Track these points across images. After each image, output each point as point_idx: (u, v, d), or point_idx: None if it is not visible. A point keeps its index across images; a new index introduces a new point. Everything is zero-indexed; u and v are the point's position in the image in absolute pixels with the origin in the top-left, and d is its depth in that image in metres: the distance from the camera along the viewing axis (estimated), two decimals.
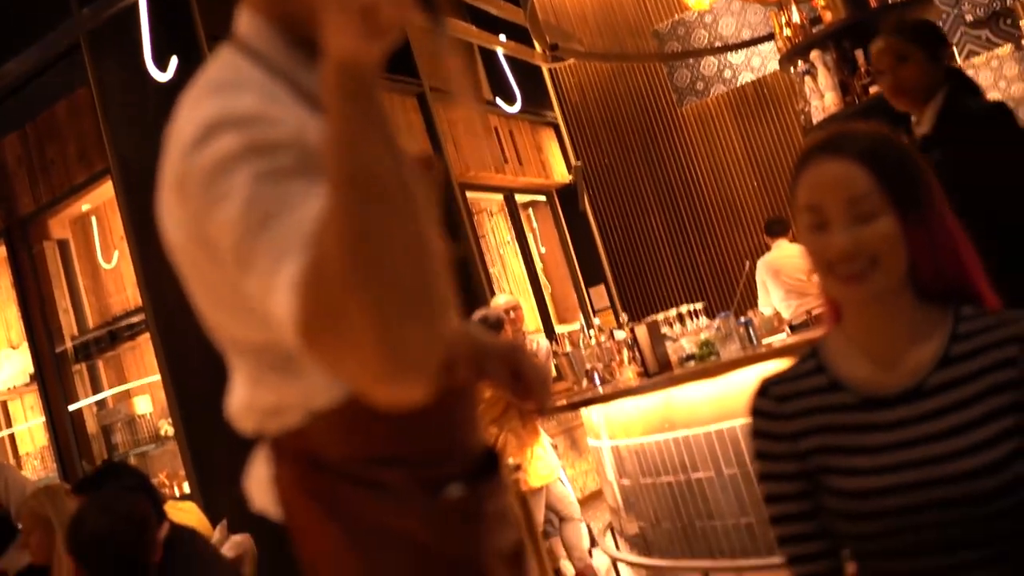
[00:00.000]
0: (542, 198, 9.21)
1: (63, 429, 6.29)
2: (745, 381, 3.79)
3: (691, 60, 8.37)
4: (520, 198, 8.90)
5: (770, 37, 7.03)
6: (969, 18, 7.18)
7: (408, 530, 0.99)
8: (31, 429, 6.99)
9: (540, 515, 4.71)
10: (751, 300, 6.35)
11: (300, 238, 0.80)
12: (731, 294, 7.55)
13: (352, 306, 0.73)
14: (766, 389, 1.37)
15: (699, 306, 5.09)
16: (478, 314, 4.39)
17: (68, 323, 6.45)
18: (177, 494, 5.60)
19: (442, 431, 1.05)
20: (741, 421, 3.82)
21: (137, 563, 2.16)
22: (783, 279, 6.05)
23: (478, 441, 1.16)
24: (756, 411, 1.36)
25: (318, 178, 0.83)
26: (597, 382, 4.90)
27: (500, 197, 8.58)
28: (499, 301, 4.97)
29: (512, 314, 4.74)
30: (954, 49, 7.11)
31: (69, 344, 6.39)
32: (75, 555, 2.20)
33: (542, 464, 4.64)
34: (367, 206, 0.75)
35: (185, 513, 3.44)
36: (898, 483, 1.23)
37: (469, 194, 7.80)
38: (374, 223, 0.75)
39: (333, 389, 0.96)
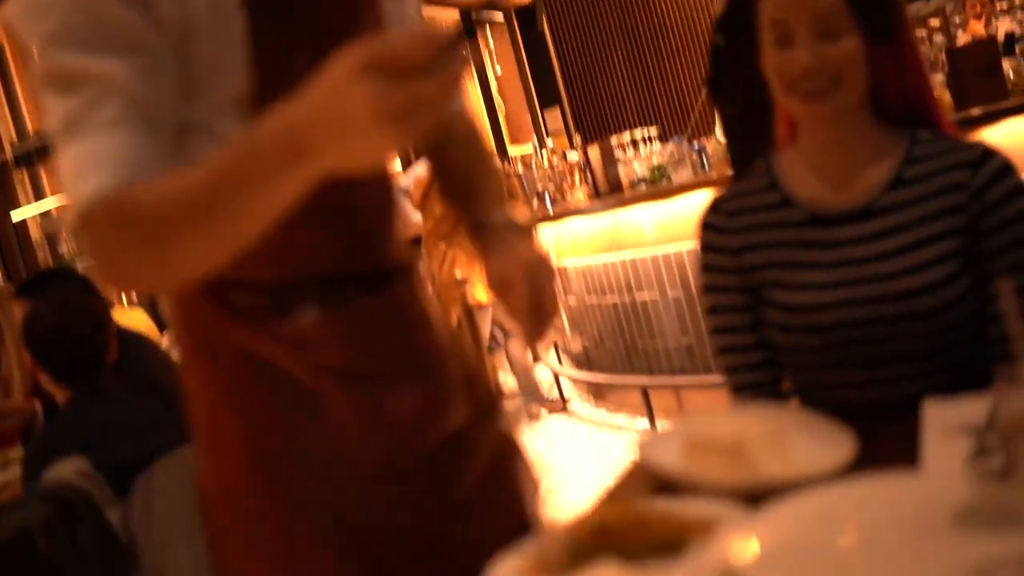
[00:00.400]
0: (500, 18, 8.91)
1: (6, 237, 6.18)
2: (694, 206, 3.82)
3: None
4: (477, 16, 8.59)
5: None
6: None
7: (260, 350, 1.06)
8: None
9: (486, 330, 4.82)
10: (707, 127, 6.31)
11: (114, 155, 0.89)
12: (687, 121, 7.50)
13: (129, 248, 0.89)
14: (717, 205, 1.39)
15: (654, 131, 5.06)
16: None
17: (7, 129, 6.24)
18: (125, 303, 5.60)
19: (288, 259, 1.05)
20: (688, 245, 3.88)
21: (94, 358, 2.18)
22: None
23: (356, 263, 1.11)
24: (705, 225, 1.38)
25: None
26: (548, 203, 4.92)
27: (456, 14, 8.28)
28: (417, 171, 4.79)
29: (413, 191, 4.73)
30: None
31: (9, 151, 6.20)
32: (33, 351, 2.21)
33: None
34: (207, 229, 0.86)
35: (134, 320, 3.45)
36: (840, 299, 1.26)
37: (425, 10, 7.50)
38: (196, 239, 0.88)
39: None
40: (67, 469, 1.72)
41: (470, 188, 1.22)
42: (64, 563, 1.58)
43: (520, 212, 1.19)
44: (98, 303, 2.35)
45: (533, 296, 1.06)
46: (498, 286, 1.09)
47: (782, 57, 1.25)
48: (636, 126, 4.94)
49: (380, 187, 1.16)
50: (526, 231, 1.15)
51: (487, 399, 1.25)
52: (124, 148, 0.89)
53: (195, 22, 0.95)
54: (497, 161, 1.35)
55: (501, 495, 1.19)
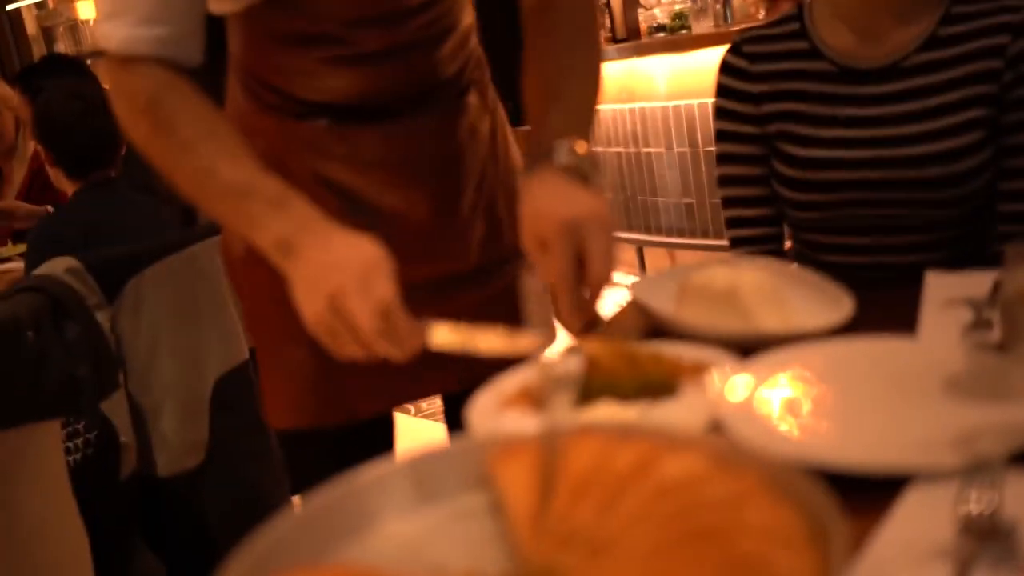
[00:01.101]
0: None
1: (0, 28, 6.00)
2: (711, 61, 3.70)
3: None
4: None
5: None
6: None
7: (281, 147, 1.09)
8: None
9: None
10: None
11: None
12: None
13: (153, 142, 1.00)
14: (739, 47, 1.33)
15: None
16: None
17: None
18: None
19: (300, 83, 1.08)
20: (700, 101, 3.78)
21: (108, 151, 2.14)
22: None
23: (377, 93, 1.08)
24: (725, 67, 1.32)
25: None
26: None
27: None
28: None
29: None
30: None
31: None
32: (46, 143, 2.16)
33: None
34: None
35: None
36: (854, 157, 1.23)
37: None
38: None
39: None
40: (57, 266, 1.71)
41: (547, 92, 1.03)
42: (51, 357, 1.59)
43: (587, 148, 0.96)
44: (107, 93, 2.29)
45: (575, 263, 0.88)
46: (533, 246, 0.92)
47: None
48: None
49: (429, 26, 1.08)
50: (586, 176, 0.94)
51: (514, 244, 1.20)
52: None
53: None
54: (600, 58, 1.10)
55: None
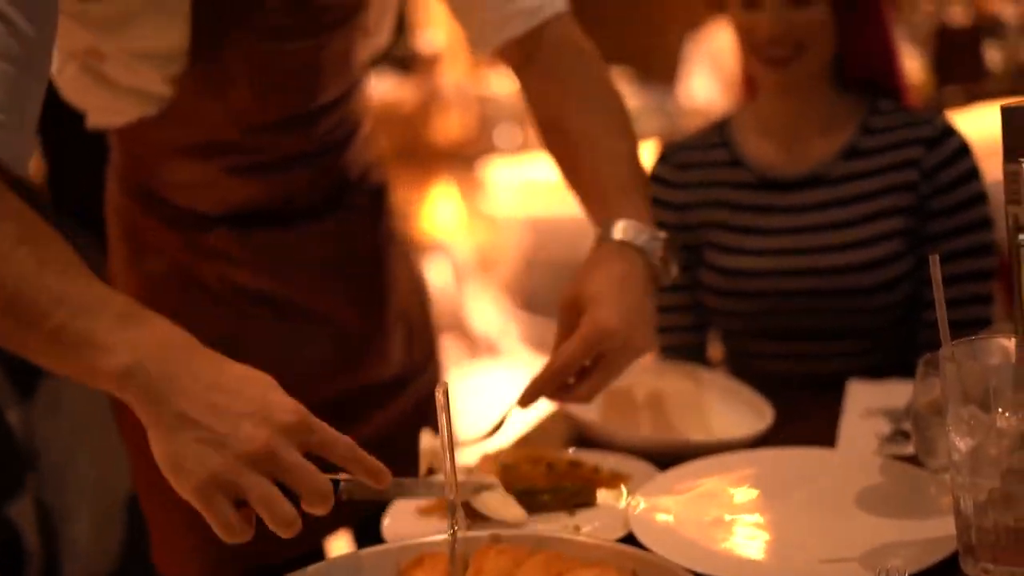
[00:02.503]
0: None
1: None
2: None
3: None
4: None
5: None
6: None
7: (185, 260, 1.02)
8: None
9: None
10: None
11: None
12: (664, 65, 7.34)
13: None
14: (668, 155, 1.36)
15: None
16: None
17: None
18: None
19: (209, 197, 1.02)
20: None
21: None
22: (721, 66, 5.82)
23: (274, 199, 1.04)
24: (655, 177, 1.35)
25: None
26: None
27: None
28: None
29: None
30: None
31: None
32: None
33: None
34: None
35: None
36: (777, 267, 1.25)
37: None
38: None
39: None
40: None
41: (584, 172, 0.98)
42: None
43: (645, 216, 0.94)
44: None
45: (591, 368, 0.87)
46: (564, 307, 0.90)
47: (749, 19, 1.22)
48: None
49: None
50: (637, 252, 0.91)
51: (426, 352, 1.18)
52: None
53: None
54: (617, 91, 1.03)
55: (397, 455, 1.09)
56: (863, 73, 1.28)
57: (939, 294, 0.69)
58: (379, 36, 1.10)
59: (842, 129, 1.27)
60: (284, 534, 0.66)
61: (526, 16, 0.96)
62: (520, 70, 1.02)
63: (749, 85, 1.35)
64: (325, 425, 0.69)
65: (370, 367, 1.10)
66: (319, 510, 0.67)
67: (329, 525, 1.05)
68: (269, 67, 0.95)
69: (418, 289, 1.20)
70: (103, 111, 1.00)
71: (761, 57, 1.22)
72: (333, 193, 1.07)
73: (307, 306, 1.06)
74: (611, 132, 0.98)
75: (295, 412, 0.68)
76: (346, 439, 0.69)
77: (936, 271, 0.70)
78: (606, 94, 1.01)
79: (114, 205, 1.08)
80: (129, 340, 0.69)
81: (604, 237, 0.91)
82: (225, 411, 0.67)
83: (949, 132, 1.23)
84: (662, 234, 0.93)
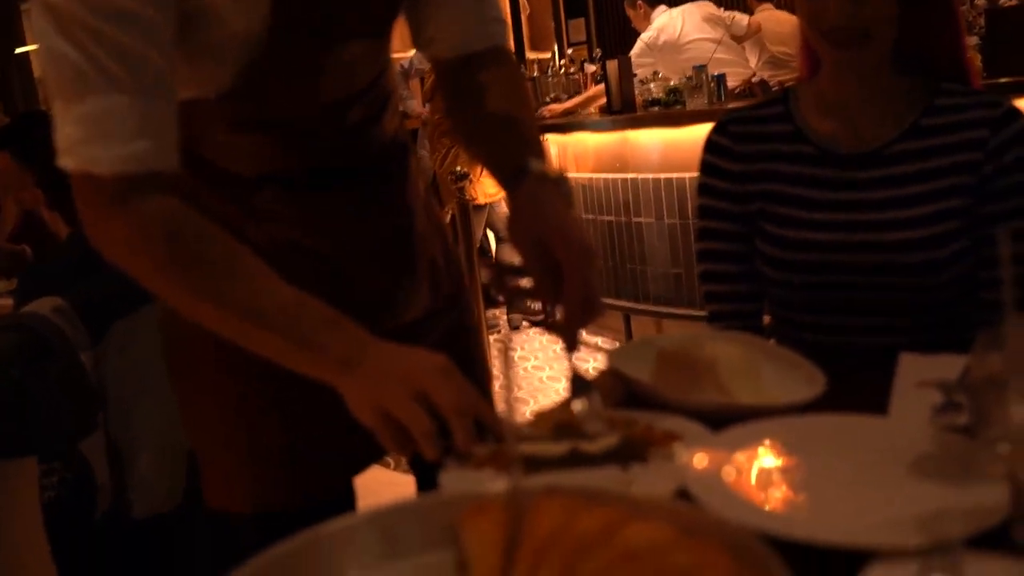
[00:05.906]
0: None
1: (6, 72, 6.06)
2: (704, 135, 3.77)
3: None
4: None
5: None
6: None
7: (232, 220, 1.08)
8: None
9: (479, 231, 4.80)
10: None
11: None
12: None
13: (156, 254, 0.94)
14: (725, 126, 1.36)
15: None
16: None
17: None
18: None
19: (259, 160, 1.08)
20: (692, 174, 3.83)
21: None
22: (764, 45, 5.86)
23: (328, 160, 1.11)
24: (710, 145, 1.35)
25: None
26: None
27: None
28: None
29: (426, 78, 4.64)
30: None
31: None
32: (43, 186, 2.17)
33: (490, 183, 4.66)
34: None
35: None
36: (832, 240, 1.25)
37: None
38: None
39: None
40: (44, 305, 1.72)
41: (507, 131, 1.12)
42: (32, 395, 1.58)
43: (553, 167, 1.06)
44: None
45: (585, 288, 0.98)
46: (530, 247, 1.01)
47: (815, 6, 1.22)
48: None
49: (371, 102, 1.12)
50: (563, 188, 1.04)
51: (451, 292, 1.24)
52: (143, 119, 0.91)
53: None
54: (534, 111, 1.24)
55: None
56: (929, 60, 1.27)
57: (1007, 269, 0.70)
58: None
59: (906, 108, 1.26)
60: (427, 446, 0.87)
61: (489, 37, 1.15)
62: (456, 72, 1.16)
63: (810, 60, 1.35)
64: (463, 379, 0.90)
65: (405, 311, 1.17)
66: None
67: (362, 460, 1.17)
68: (331, 64, 1.04)
69: (441, 235, 1.27)
70: None
71: (827, 40, 1.22)
72: (367, 160, 1.14)
73: (347, 260, 1.12)
74: (520, 111, 1.14)
75: (443, 360, 0.91)
76: (469, 398, 0.89)
77: (1006, 247, 0.71)
78: (525, 95, 1.19)
79: None
80: (338, 340, 0.93)
81: (526, 170, 1.04)
82: (418, 378, 0.89)
83: (1015, 114, 1.23)
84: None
